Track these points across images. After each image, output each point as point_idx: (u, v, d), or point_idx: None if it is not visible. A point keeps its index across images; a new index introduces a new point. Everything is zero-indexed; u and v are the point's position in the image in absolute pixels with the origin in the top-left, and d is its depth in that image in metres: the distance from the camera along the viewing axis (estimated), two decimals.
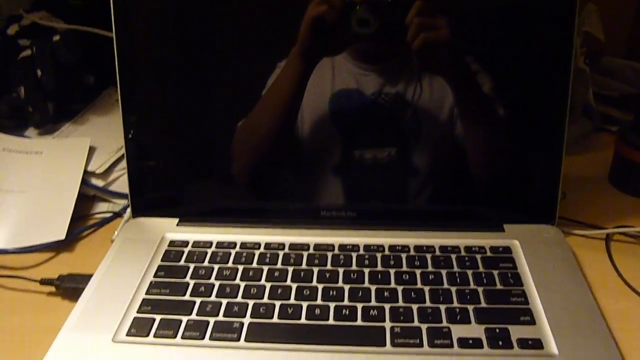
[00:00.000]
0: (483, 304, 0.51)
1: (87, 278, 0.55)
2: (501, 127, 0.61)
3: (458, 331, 0.48)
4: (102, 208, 0.70)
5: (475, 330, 0.48)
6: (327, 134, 0.62)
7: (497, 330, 0.48)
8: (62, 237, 0.63)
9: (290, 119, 0.61)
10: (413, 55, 0.58)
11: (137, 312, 0.51)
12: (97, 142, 0.75)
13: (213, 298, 0.53)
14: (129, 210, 0.64)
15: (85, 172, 0.71)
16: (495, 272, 0.55)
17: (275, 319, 0.50)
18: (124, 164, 0.72)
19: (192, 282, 0.54)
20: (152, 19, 0.61)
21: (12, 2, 0.86)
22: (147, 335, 0.49)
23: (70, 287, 0.56)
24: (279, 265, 0.56)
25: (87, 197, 0.71)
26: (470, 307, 0.51)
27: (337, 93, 0.60)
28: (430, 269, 0.55)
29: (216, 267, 0.56)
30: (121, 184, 0.71)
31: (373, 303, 0.51)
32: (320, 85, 0.60)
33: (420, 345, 0.47)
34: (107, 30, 0.79)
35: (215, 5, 0.60)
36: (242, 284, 0.54)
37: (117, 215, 0.68)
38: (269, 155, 0.63)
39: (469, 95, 0.60)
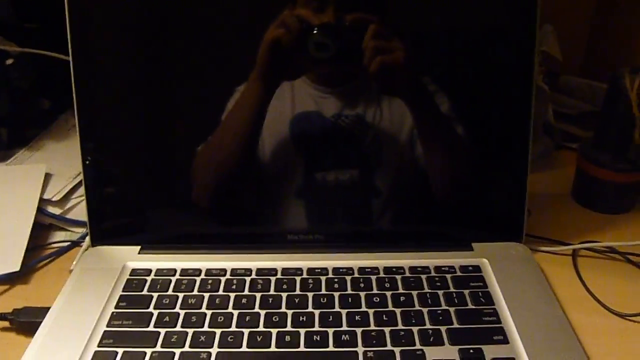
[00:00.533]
0: (456, 325, 0.50)
1: (44, 311, 0.53)
2: (463, 148, 0.61)
3: (432, 353, 0.47)
4: (59, 237, 0.67)
5: (450, 351, 0.48)
6: (289, 157, 0.61)
7: (471, 351, 0.47)
8: (17, 268, 0.60)
9: (251, 142, 0.60)
10: (371, 78, 0.58)
11: (98, 345, 0.49)
12: (53, 169, 0.73)
13: (178, 328, 0.51)
14: (87, 238, 0.62)
15: (41, 199, 0.68)
16: (466, 292, 0.54)
17: (244, 348, 0.48)
18: (81, 191, 0.70)
19: (156, 312, 0.52)
20: (109, 43, 0.59)
21: None
22: None
23: (26, 322, 0.53)
24: (246, 292, 0.55)
25: (43, 226, 0.68)
26: (443, 328, 0.50)
27: (298, 116, 0.60)
28: (400, 290, 0.54)
29: (181, 295, 0.54)
30: (79, 212, 0.69)
31: (344, 327, 0.50)
32: (281, 108, 0.59)
33: None
34: (62, 53, 0.77)
35: (173, 29, 0.59)
36: (209, 313, 0.52)
37: (75, 244, 0.66)
38: (230, 180, 0.62)
39: (427, 116, 0.60)
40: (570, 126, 0.87)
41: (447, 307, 0.52)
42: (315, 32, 0.56)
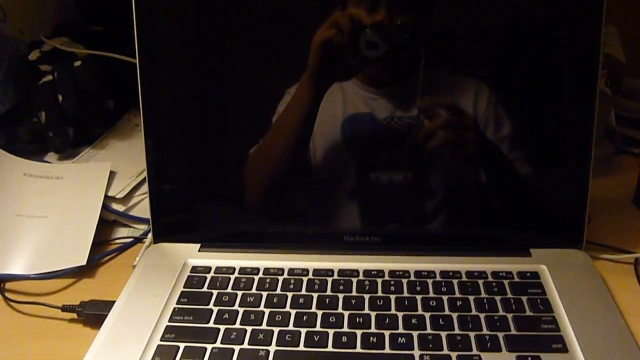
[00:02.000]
0: (513, 331, 0.50)
1: (109, 305, 0.55)
2: (523, 152, 0.60)
3: (489, 359, 0.47)
4: (123, 233, 0.69)
5: (507, 358, 0.47)
6: (341, 159, 0.61)
7: (529, 358, 0.47)
8: (84, 262, 0.63)
9: (302, 145, 0.61)
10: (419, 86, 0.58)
11: (161, 339, 0.51)
12: (117, 167, 0.75)
13: (237, 325, 0.52)
14: (150, 235, 0.64)
15: (106, 196, 0.71)
16: (524, 298, 0.54)
17: (301, 347, 0.49)
18: (144, 188, 0.72)
19: (215, 309, 0.54)
20: (171, 47, 0.61)
21: (33, 28, 0.87)
22: None
23: (92, 314, 0.55)
24: (303, 292, 0.55)
25: (107, 222, 0.70)
26: (500, 335, 0.49)
27: (349, 117, 0.60)
28: (457, 294, 0.54)
29: (240, 293, 0.56)
30: (141, 209, 0.71)
31: (401, 330, 0.50)
32: (332, 110, 0.60)
33: None
34: (126, 55, 0.80)
35: (229, 33, 0.60)
36: (267, 311, 0.53)
37: (138, 240, 0.68)
38: (282, 182, 0.63)
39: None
40: (632, 130, 0.85)
41: (504, 313, 0.52)
42: (367, 31, 0.56)
